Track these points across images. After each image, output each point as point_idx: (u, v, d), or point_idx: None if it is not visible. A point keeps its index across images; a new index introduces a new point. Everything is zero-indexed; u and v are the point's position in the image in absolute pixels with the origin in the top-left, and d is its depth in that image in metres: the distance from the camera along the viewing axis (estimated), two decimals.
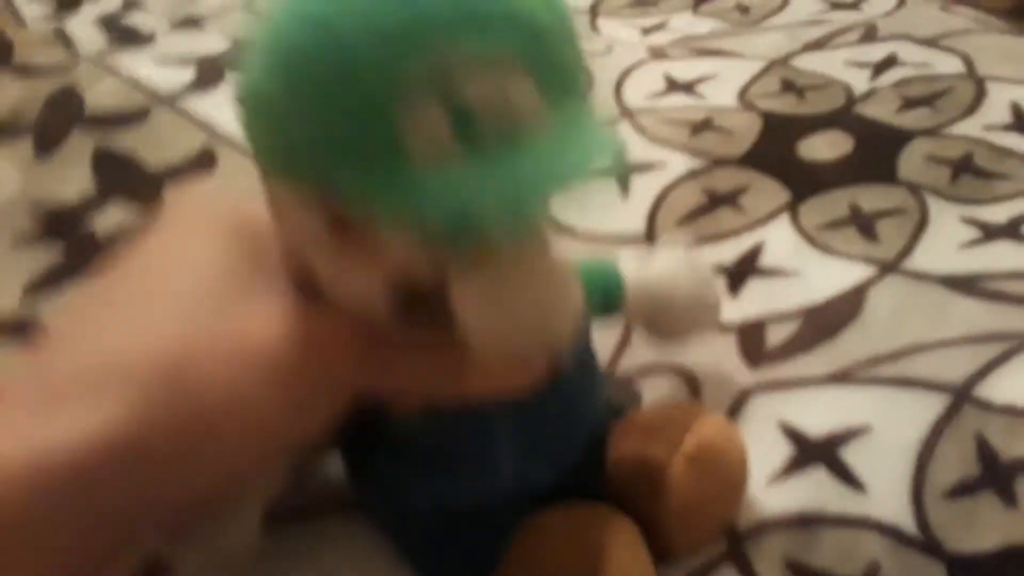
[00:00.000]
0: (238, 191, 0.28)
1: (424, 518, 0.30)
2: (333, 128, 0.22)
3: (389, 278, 0.24)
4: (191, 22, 0.68)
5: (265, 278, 0.27)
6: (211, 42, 0.63)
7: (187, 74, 0.58)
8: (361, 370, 0.26)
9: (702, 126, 0.54)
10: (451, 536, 0.30)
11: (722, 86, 0.59)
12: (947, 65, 0.60)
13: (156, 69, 0.59)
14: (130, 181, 0.51)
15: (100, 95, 0.56)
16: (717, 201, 0.48)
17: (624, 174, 0.50)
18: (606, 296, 0.33)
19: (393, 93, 0.21)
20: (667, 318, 0.35)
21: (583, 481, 0.31)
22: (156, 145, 0.53)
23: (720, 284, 0.43)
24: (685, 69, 0.61)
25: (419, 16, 0.21)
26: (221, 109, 0.55)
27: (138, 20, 0.69)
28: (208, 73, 0.58)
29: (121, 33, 0.66)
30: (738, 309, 0.42)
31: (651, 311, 0.35)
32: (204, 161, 0.51)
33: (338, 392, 0.26)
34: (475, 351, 0.24)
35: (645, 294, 0.34)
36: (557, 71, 0.24)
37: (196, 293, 0.25)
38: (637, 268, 0.35)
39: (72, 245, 0.47)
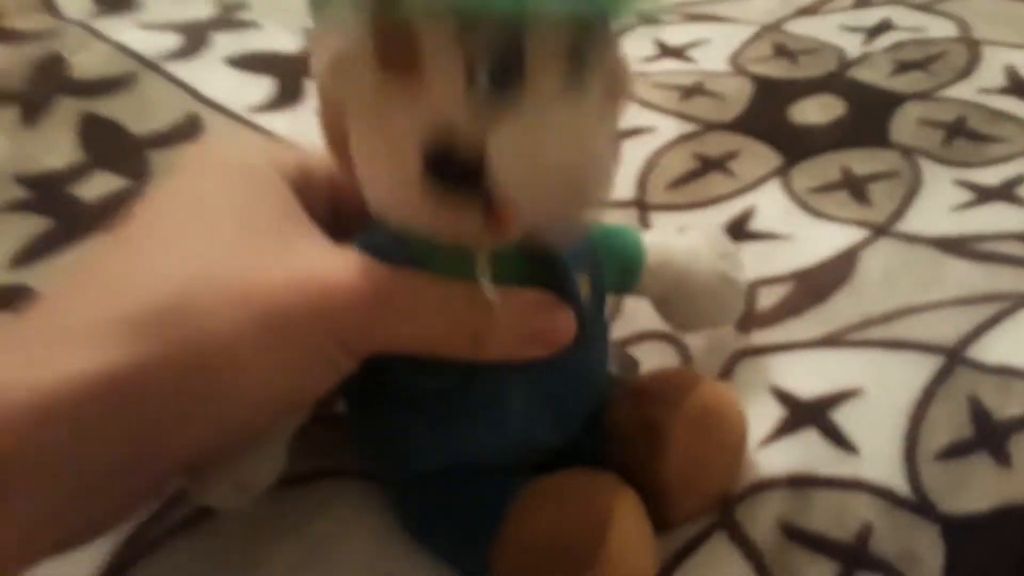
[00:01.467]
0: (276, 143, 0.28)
1: (426, 479, 0.30)
2: None
3: (429, 130, 0.22)
4: None
5: (287, 223, 0.26)
6: (198, 7, 0.62)
7: (174, 40, 0.57)
8: (371, 330, 0.25)
9: (693, 90, 0.54)
10: (452, 499, 0.29)
11: (714, 51, 0.59)
12: (941, 29, 0.60)
13: (142, 34, 0.58)
14: (116, 148, 0.50)
15: (86, 61, 0.56)
16: (708, 166, 0.48)
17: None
18: (623, 270, 0.32)
19: None
20: (686, 302, 0.34)
21: (583, 448, 0.30)
22: (142, 112, 0.52)
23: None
24: (677, 34, 0.60)
25: None
26: (208, 75, 0.54)
27: None
28: (194, 39, 0.57)
29: None
30: None
31: (671, 292, 0.33)
32: (190, 127, 0.51)
33: (343, 351, 0.25)
34: (511, 218, 0.23)
35: (667, 271, 0.32)
36: None
37: (205, 235, 0.25)
38: (661, 242, 0.33)
39: (59, 212, 0.46)
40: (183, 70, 0.55)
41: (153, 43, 0.57)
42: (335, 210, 0.29)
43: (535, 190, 0.23)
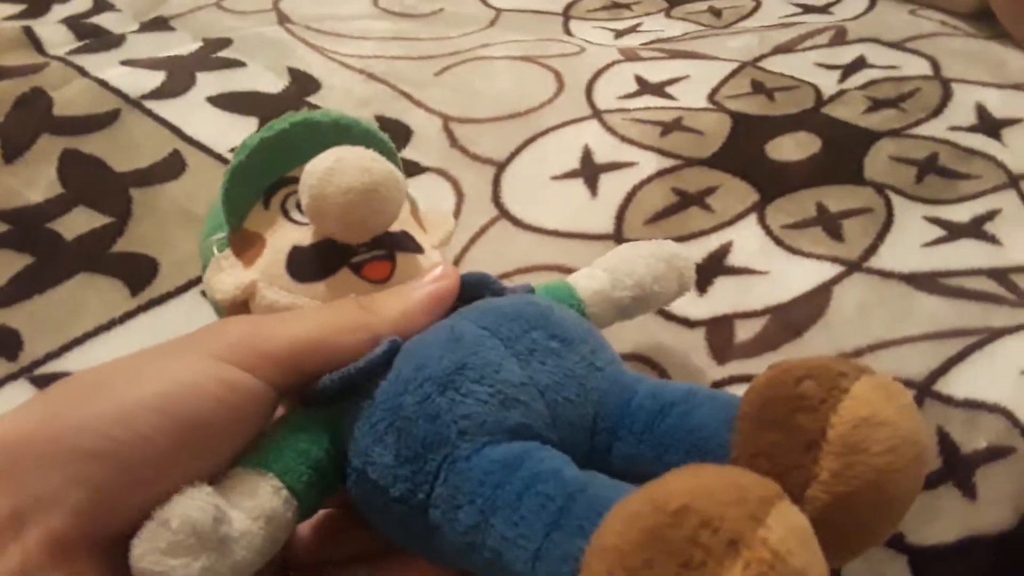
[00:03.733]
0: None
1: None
2: None
3: None
4: (161, 22, 0.68)
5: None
6: (181, 45, 0.63)
7: (157, 78, 0.58)
8: (254, 335, 0.29)
9: (672, 126, 0.55)
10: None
11: (693, 87, 0.60)
12: (914, 67, 0.61)
13: (125, 71, 0.58)
14: (98, 185, 0.50)
15: (69, 97, 0.56)
16: (687, 201, 0.49)
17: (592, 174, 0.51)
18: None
19: None
20: (631, 304, 0.36)
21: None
22: (125, 149, 0.52)
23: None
24: (656, 70, 0.61)
25: None
26: (191, 114, 0.55)
27: (108, 21, 0.68)
28: (178, 77, 0.58)
29: (90, 34, 0.65)
30: (707, 306, 0.42)
31: (621, 300, 0.35)
32: (173, 166, 0.51)
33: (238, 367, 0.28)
34: None
35: (601, 297, 0.35)
36: None
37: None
38: (584, 274, 0.36)
39: (39, 249, 0.46)
40: (166, 108, 0.55)
41: (136, 81, 0.57)
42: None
43: None
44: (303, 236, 0.32)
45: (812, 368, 0.25)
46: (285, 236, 0.32)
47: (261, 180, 0.33)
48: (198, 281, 0.44)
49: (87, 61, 0.60)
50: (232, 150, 0.52)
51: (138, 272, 0.45)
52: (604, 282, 0.35)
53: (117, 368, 0.27)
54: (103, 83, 0.57)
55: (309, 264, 0.31)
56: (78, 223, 0.48)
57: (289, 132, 0.32)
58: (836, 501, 0.24)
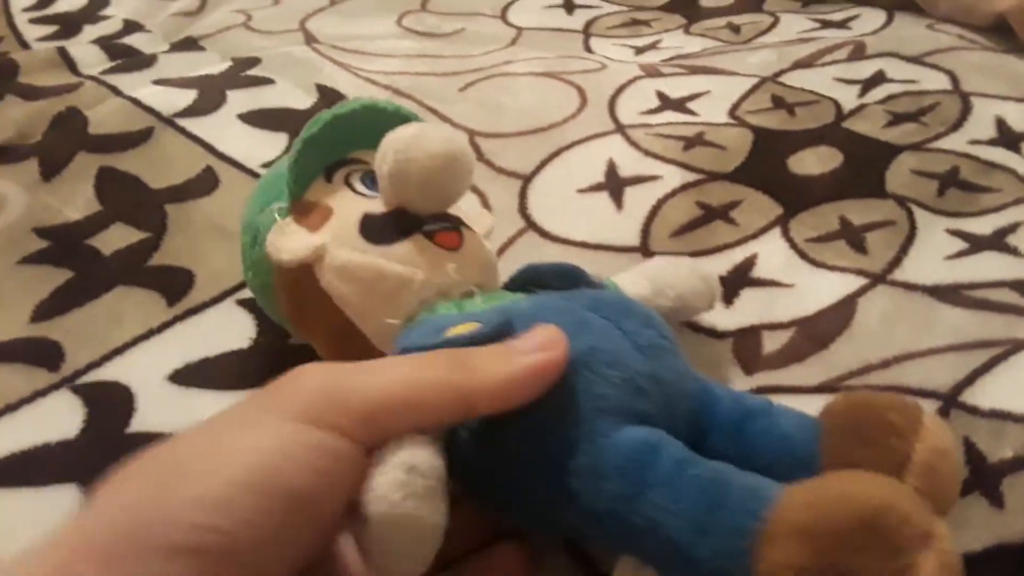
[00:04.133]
0: None
1: None
2: None
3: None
4: (191, 43, 0.69)
5: None
6: (211, 64, 0.64)
7: (188, 96, 0.59)
8: (341, 392, 0.26)
9: (695, 141, 0.56)
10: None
11: (713, 103, 0.61)
12: (933, 81, 0.61)
13: (158, 90, 0.60)
14: (134, 201, 0.51)
15: (103, 116, 0.57)
16: (712, 214, 0.49)
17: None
18: None
19: None
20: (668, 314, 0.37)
21: None
22: (159, 166, 0.54)
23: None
24: (677, 86, 0.62)
25: None
26: (222, 131, 0.56)
27: (139, 41, 0.70)
28: (209, 95, 0.59)
29: (122, 54, 0.67)
30: (733, 317, 0.43)
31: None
32: (207, 182, 0.52)
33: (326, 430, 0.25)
34: None
35: (642, 301, 0.36)
36: None
37: None
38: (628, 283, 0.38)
39: (78, 265, 0.48)
40: (198, 126, 0.56)
41: (168, 99, 0.59)
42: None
43: None
44: (374, 206, 0.33)
45: (895, 401, 0.30)
46: (354, 205, 0.34)
47: (328, 154, 0.35)
48: (233, 291, 0.45)
49: (120, 80, 0.62)
50: (265, 165, 0.53)
51: (174, 284, 0.46)
52: (646, 289, 0.37)
53: (192, 446, 0.25)
54: (136, 102, 0.59)
55: (382, 229, 0.33)
56: (115, 238, 0.49)
57: (359, 112, 0.35)
58: None
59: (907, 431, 0.29)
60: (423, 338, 0.30)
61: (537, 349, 0.28)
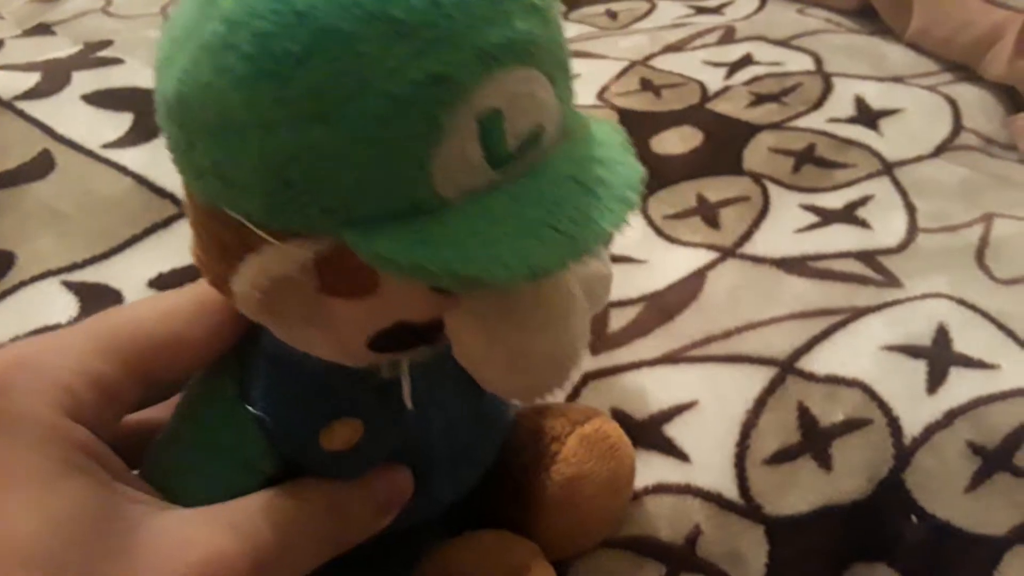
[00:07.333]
0: None
1: None
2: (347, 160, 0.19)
3: (381, 324, 0.22)
4: (43, 28, 0.66)
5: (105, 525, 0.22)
6: (61, 47, 0.61)
7: (31, 79, 0.56)
8: None
9: None
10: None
11: (583, 86, 0.60)
12: (798, 63, 0.62)
13: (1, 74, 0.57)
14: None
15: None
16: None
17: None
18: None
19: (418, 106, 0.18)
20: None
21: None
22: None
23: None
24: None
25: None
26: (64, 112, 0.53)
27: None
28: (54, 77, 0.56)
29: None
30: None
31: None
32: (42, 165, 0.50)
33: None
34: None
35: None
36: (562, 65, 0.21)
37: None
38: None
39: None
40: (38, 108, 0.53)
41: (9, 83, 0.56)
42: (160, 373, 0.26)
43: (510, 366, 0.22)
44: None
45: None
46: None
47: None
48: (58, 272, 0.42)
49: None
50: (105, 146, 0.50)
51: None
52: None
53: None
54: None
55: None
56: None
57: None
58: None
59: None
60: None
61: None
